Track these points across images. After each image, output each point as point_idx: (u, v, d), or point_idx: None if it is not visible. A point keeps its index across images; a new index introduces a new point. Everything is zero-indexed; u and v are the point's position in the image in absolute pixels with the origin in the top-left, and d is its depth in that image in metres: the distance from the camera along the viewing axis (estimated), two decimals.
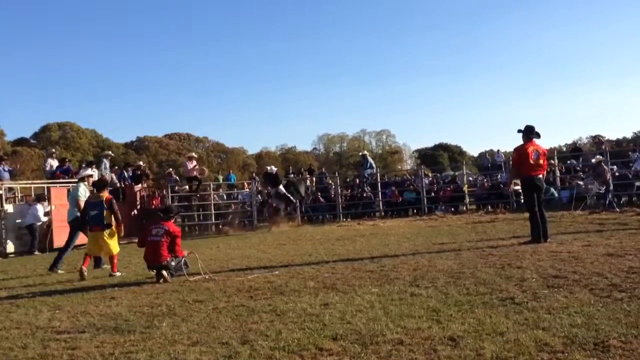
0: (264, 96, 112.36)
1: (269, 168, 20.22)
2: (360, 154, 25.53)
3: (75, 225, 10.40)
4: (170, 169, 25.08)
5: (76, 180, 11.06)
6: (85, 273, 8.97)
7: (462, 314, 4.79)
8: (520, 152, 9.69)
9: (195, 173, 20.64)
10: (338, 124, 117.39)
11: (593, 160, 17.29)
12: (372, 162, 23.64)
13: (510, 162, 14.10)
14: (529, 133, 9.74)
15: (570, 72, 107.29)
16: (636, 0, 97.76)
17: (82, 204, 9.94)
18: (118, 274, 9.10)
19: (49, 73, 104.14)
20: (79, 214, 10.16)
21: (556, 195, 18.27)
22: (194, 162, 21.15)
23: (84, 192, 10.43)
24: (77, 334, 5.12)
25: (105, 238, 9.28)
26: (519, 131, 9.80)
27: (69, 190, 16.64)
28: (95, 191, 9.91)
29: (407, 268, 7.52)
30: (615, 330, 4.02)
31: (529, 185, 9.64)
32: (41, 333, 5.28)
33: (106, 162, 19.50)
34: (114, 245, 9.36)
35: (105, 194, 9.66)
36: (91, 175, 11.78)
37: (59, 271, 10.10)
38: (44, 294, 7.54)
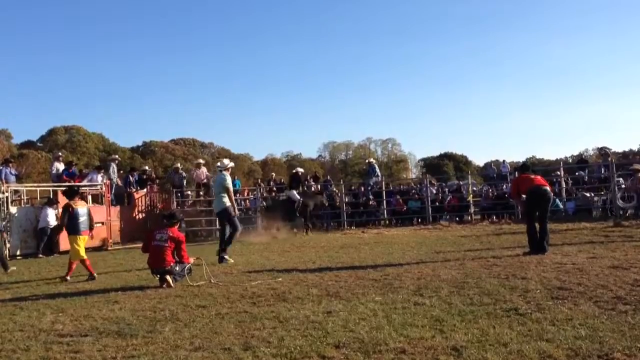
0: (270, 103, 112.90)
1: (299, 170, 20.48)
2: (367, 161, 25.50)
3: (227, 214, 10.73)
4: (178, 164, 24.52)
5: (219, 169, 11.34)
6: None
7: (466, 324, 4.78)
8: (517, 179, 10.47)
9: (204, 179, 20.72)
10: (344, 132, 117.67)
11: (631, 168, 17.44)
12: (378, 170, 23.62)
13: (510, 192, 14.53)
14: (524, 169, 10.55)
15: (577, 83, 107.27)
16: None
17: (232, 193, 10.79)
18: (69, 278, 9.36)
19: (56, 76, 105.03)
20: (228, 203, 10.68)
21: (561, 206, 18.20)
22: (203, 169, 21.25)
23: (231, 181, 10.93)
24: (79, 338, 5.13)
25: (85, 242, 9.74)
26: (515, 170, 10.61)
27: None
28: (69, 199, 10.04)
29: (411, 277, 7.51)
30: (620, 343, 4.00)
31: (536, 195, 9.63)
32: (44, 336, 5.29)
33: (114, 167, 19.57)
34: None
35: (84, 202, 10.16)
36: (232, 166, 12.12)
37: (230, 260, 10.58)
38: (48, 297, 7.57)
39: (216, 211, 11.07)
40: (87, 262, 9.52)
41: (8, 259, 12.09)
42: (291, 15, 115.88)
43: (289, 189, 18.64)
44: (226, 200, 10.75)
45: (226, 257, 10.65)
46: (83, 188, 17.81)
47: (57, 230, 15.00)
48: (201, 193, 21.04)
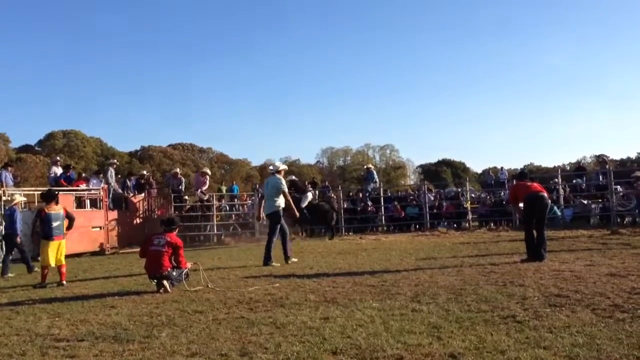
0: (269, 108, 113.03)
1: (293, 177, 20.48)
2: (365, 167, 25.44)
3: (277, 218, 10.78)
4: (177, 169, 24.37)
5: (272, 172, 11.37)
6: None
7: (463, 331, 4.77)
8: (515, 186, 10.58)
9: (205, 188, 20.77)
10: (342, 138, 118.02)
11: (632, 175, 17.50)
12: (376, 176, 23.59)
13: (508, 199, 14.55)
14: (522, 177, 10.71)
15: (576, 91, 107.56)
16: (638, 19, 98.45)
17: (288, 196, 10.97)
18: (65, 283, 9.37)
19: (55, 80, 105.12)
20: (281, 206, 10.78)
21: (559, 214, 18.22)
22: (207, 178, 21.29)
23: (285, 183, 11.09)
24: (76, 342, 5.11)
25: (63, 247, 9.74)
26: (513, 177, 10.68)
27: (76, 197, 16.81)
28: (45, 203, 9.97)
29: (409, 283, 7.50)
30: (617, 351, 4.00)
31: (534, 202, 9.64)
32: (40, 340, 5.27)
33: (112, 171, 19.54)
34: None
35: (60, 206, 10.09)
36: (285, 169, 12.06)
37: (274, 264, 10.59)
38: (44, 301, 7.54)
39: (266, 213, 11.04)
40: (47, 271, 9.46)
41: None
42: (290, 22, 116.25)
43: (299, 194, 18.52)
44: (279, 203, 10.84)
45: (271, 262, 10.68)
46: (81, 192, 17.82)
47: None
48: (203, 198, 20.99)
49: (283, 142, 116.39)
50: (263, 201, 11.33)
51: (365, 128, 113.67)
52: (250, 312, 6.10)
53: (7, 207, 12.76)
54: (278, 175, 11.04)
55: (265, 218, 11.39)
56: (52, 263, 9.49)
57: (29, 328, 5.86)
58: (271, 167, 11.70)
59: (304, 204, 17.29)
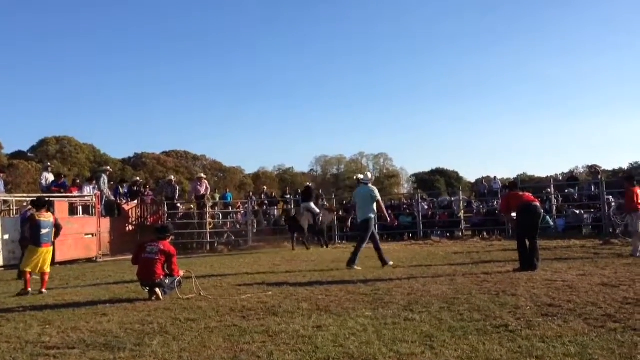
0: (263, 116, 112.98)
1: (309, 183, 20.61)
2: (355, 177, 25.35)
3: (368, 225, 10.99)
4: (172, 177, 24.11)
5: (364, 182, 11.70)
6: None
7: (456, 340, 4.77)
8: (507, 195, 10.61)
9: (203, 192, 20.74)
10: (336, 146, 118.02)
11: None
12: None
13: (500, 208, 14.66)
14: (513, 187, 10.87)
15: (568, 100, 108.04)
16: (633, 30, 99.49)
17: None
18: (45, 291, 9.29)
19: (48, 86, 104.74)
20: (373, 214, 11.11)
21: (551, 223, 18.29)
22: (204, 183, 21.27)
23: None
24: (66, 350, 5.07)
25: (49, 255, 9.71)
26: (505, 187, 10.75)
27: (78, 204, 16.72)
28: (36, 210, 9.91)
29: (402, 292, 7.50)
30: None
31: (526, 211, 9.68)
32: (30, 348, 5.23)
33: (105, 178, 19.45)
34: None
35: (50, 214, 10.05)
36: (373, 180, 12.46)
37: (356, 267, 10.75)
38: (35, 309, 7.48)
39: (360, 220, 11.41)
40: (29, 276, 9.37)
41: None
42: (285, 29, 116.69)
43: (305, 202, 18.56)
44: (371, 211, 11.17)
45: (355, 265, 10.90)
46: (73, 199, 17.73)
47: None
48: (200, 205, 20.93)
49: (277, 150, 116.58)
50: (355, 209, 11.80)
51: (359, 137, 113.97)
52: (243, 321, 6.08)
53: (21, 212, 12.69)
54: (371, 186, 11.55)
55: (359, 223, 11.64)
56: (36, 270, 9.44)
57: (19, 335, 5.81)
58: (361, 177, 12.18)
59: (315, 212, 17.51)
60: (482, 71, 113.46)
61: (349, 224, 15.26)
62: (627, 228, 13.28)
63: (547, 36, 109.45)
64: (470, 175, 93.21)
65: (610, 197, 18.17)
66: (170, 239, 8.57)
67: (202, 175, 23.27)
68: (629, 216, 11.96)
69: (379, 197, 11.37)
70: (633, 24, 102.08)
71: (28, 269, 9.38)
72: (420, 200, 20.97)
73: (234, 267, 12.44)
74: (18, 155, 60.57)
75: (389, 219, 12.53)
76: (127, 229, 19.60)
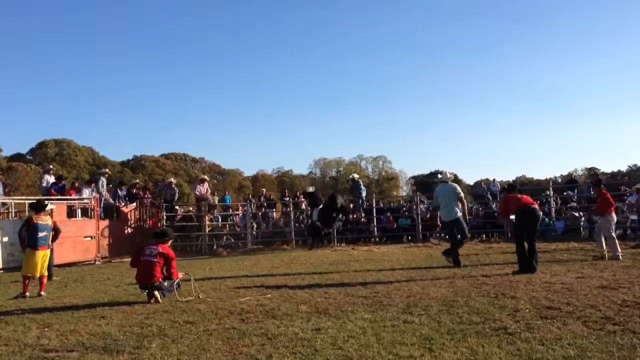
0: (262, 118, 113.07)
1: (310, 188, 20.39)
2: (350, 177, 25.02)
3: (459, 223, 11.08)
4: (172, 179, 24.05)
5: (442, 180, 11.64)
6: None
7: (455, 343, 4.77)
8: (506, 198, 10.49)
9: (205, 193, 20.73)
10: (335, 149, 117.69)
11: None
12: (363, 185, 22.96)
13: (498, 211, 14.59)
14: (511, 189, 10.72)
15: (567, 103, 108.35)
16: (631, 33, 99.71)
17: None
18: (44, 294, 9.30)
19: (47, 89, 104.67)
20: (460, 212, 11.11)
21: (551, 225, 18.30)
22: (205, 184, 21.26)
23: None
24: (65, 353, 5.07)
25: (47, 258, 9.72)
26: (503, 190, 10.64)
27: (69, 207, 16.71)
28: (34, 213, 9.91)
29: (401, 295, 7.50)
30: None
31: (525, 214, 9.69)
32: (29, 351, 5.22)
33: (104, 180, 19.46)
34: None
35: (49, 217, 10.05)
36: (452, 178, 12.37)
37: (462, 265, 10.80)
38: (34, 312, 7.47)
39: (447, 220, 11.30)
40: (28, 281, 9.34)
41: None
42: (286, 32, 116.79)
43: (313, 207, 18.40)
44: (458, 209, 11.17)
45: (451, 259, 11.01)
46: (72, 202, 17.72)
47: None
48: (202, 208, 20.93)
49: (276, 153, 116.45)
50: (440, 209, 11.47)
51: (358, 139, 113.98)
52: (242, 323, 6.08)
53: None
54: (453, 183, 11.53)
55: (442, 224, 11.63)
56: (37, 274, 9.42)
57: (18, 338, 5.80)
58: (440, 176, 12.11)
59: (315, 217, 17.39)
60: (482, 74, 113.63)
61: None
62: (594, 232, 13.36)
63: (546, 39, 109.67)
64: (469, 177, 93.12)
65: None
66: (169, 243, 8.57)
67: (205, 176, 23.23)
68: (602, 219, 11.87)
69: (461, 195, 11.30)
70: (631, 28, 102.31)
71: (29, 274, 9.37)
72: (419, 203, 20.94)
73: (233, 269, 12.43)
74: (17, 157, 60.53)
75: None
76: (126, 231, 19.60)
